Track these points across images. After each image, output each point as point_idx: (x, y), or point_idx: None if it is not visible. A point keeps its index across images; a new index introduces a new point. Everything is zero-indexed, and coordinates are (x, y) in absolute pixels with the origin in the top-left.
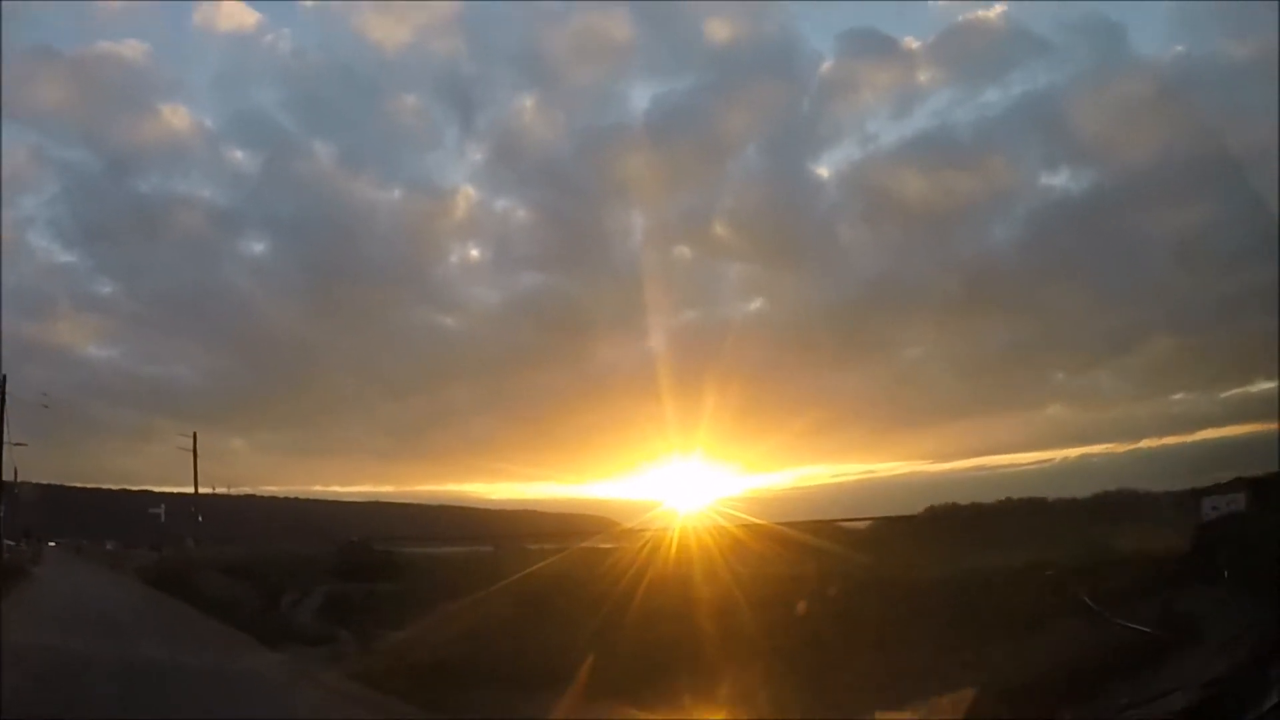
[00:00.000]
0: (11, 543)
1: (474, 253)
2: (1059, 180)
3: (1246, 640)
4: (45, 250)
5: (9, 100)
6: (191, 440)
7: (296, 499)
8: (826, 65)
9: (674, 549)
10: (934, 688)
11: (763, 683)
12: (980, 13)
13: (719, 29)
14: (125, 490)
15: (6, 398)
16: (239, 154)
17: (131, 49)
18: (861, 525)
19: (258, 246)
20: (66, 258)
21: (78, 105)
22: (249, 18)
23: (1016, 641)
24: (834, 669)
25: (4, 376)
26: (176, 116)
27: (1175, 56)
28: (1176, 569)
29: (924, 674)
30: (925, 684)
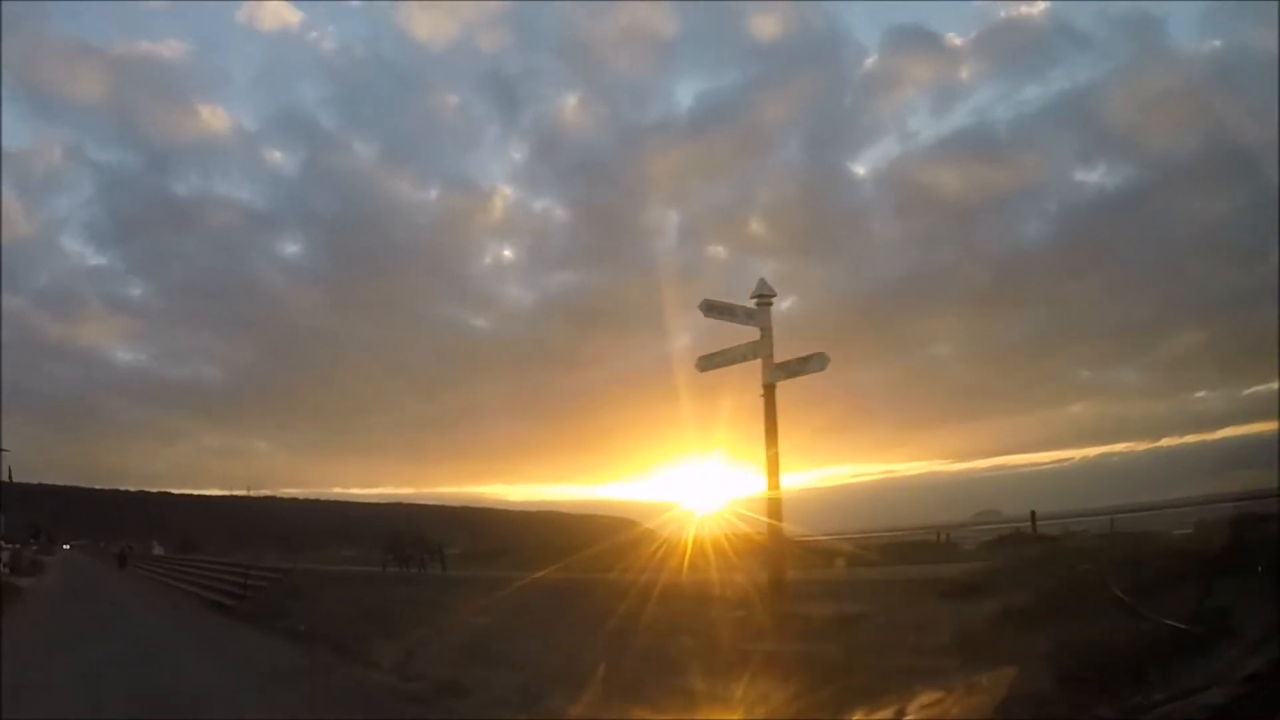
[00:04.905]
0: (4, 543)
1: (508, 252)
2: (1093, 176)
3: None
4: (78, 253)
5: (45, 98)
6: None
7: (319, 500)
8: (870, 61)
9: (689, 550)
10: (965, 678)
11: (781, 683)
12: (1024, 9)
13: (765, 25)
14: (144, 492)
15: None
16: (278, 154)
17: (172, 48)
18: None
19: (292, 247)
20: (99, 260)
21: (116, 104)
22: (293, 16)
23: (1050, 635)
24: (857, 667)
25: None
26: (215, 117)
27: (1212, 51)
28: (1211, 563)
29: (953, 668)
30: (955, 676)
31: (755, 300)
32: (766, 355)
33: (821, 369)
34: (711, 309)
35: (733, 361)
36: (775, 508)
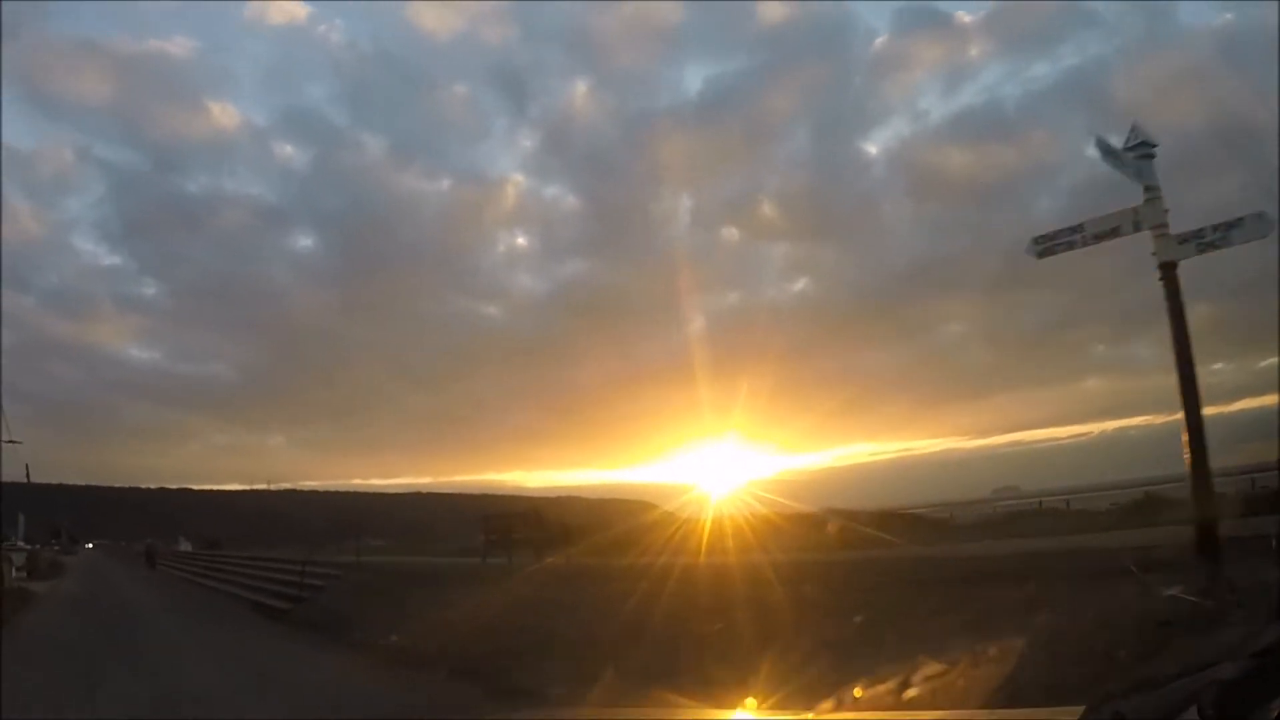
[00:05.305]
0: (25, 544)
1: (520, 241)
2: None
3: None
4: (90, 252)
5: (53, 98)
6: None
7: (338, 492)
8: (880, 41)
9: (708, 532)
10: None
11: (802, 664)
12: None
13: (772, 8)
14: (164, 489)
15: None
16: (289, 149)
17: (179, 45)
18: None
19: (304, 242)
20: (111, 260)
21: (125, 103)
22: (300, 11)
23: (1062, 610)
24: (869, 643)
25: None
26: (225, 114)
27: (1224, 24)
28: (1224, 537)
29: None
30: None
31: (1132, 152)
32: (1156, 223)
33: (1264, 235)
34: (1108, 152)
35: (1099, 239)
36: (1198, 438)
